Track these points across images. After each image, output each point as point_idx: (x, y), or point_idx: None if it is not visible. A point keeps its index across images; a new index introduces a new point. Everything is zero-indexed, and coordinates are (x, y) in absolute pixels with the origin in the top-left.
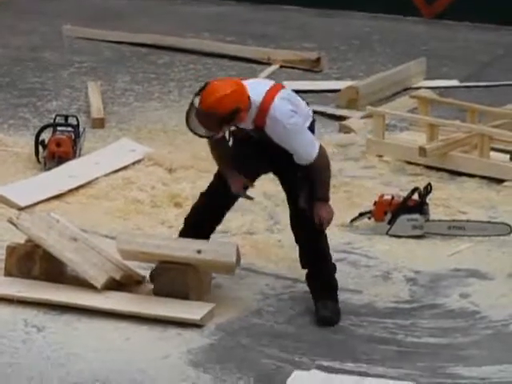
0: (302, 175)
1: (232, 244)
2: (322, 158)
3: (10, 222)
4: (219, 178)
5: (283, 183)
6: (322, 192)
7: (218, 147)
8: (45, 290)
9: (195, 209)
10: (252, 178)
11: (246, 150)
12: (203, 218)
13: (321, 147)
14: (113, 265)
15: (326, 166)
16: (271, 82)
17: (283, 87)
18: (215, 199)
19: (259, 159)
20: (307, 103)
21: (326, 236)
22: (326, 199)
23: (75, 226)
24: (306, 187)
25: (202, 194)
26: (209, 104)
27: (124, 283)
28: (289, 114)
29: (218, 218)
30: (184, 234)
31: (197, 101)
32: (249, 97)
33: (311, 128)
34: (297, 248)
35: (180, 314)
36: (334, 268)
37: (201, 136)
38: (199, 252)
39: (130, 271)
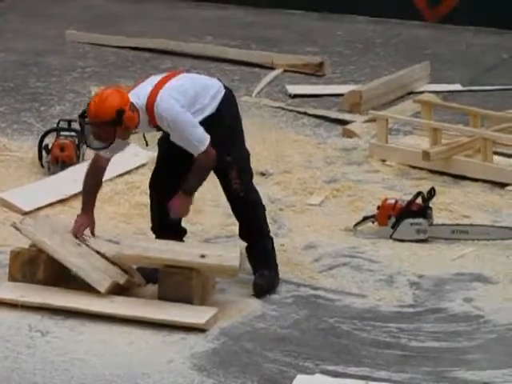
0: (231, 159)
1: (236, 248)
2: (207, 158)
3: (14, 226)
4: (158, 167)
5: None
6: (189, 185)
7: (95, 175)
8: (48, 295)
9: (151, 204)
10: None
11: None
12: (159, 209)
13: (209, 149)
14: (116, 269)
15: (205, 167)
16: (158, 78)
17: (171, 78)
18: (160, 188)
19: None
20: (219, 79)
21: (262, 210)
22: (190, 193)
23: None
24: (235, 169)
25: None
26: (93, 113)
27: (127, 287)
28: (172, 111)
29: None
30: (153, 230)
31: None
32: (130, 102)
33: (223, 104)
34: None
35: (184, 318)
36: (270, 240)
37: (99, 149)
38: (203, 256)
39: (133, 275)
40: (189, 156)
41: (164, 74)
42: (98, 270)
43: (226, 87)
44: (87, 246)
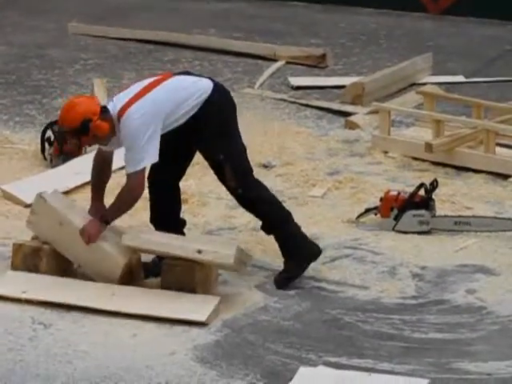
0: (223, 157)
1: (233, 245)
2: (134, 186)
3: (40, 196)
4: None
5: (211, 166)
6: (109, 213)
7: (99, 167)
8: (51, 289)
9: (150, 196)
10: (183, 163)
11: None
12: (158, 201)
13: (139, 178)
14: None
15: (127, 197)
16: (141, 86)
17: (154, 87)
18: (159, 180)
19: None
20: (211, 78)
21: (268, 203)
22: (107, 221)
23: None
24: (228, 167)
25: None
26: (60, 120)
27: (135, 276)
28: (134, 126)
29: (171, 202)
30: (153, 222)
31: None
32: (104, 109)
33: (207, 106)
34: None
35: (186, 314)
36: (288, 225)
37: (70, 153)
38: (199, 252)
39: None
40: (190, 149)
41: (151, 80)
42: (116, 244)
43: (217, 86)
44: None
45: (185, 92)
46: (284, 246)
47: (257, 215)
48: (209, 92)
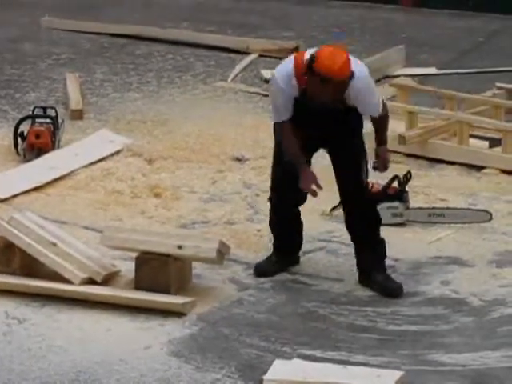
0: (362, 148)
1: (214, 239)
2: (385, 107)
3: None
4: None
5: (341, 156)
6: (385, 137)
7: (292, 133)
8: (24, 281)
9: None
10: (309, 157)
11: (306, 129)
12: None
13: (385, 105)
14: (93, 265)
15: (388, 114)
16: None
17: None
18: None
19: (317, 136)
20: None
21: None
22: (386, 143)
23: (54, 225)
24: (365, 160)
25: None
26: (342, 72)
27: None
28: (367, 74)
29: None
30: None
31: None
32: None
33: None
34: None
35: (162, 298)
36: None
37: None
38: (180, 248)
39: (111, 269)
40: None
41: None
42: (73, 264)
43: None
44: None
45: None
46: (381, 255)
47: (369, 214)
48: None
